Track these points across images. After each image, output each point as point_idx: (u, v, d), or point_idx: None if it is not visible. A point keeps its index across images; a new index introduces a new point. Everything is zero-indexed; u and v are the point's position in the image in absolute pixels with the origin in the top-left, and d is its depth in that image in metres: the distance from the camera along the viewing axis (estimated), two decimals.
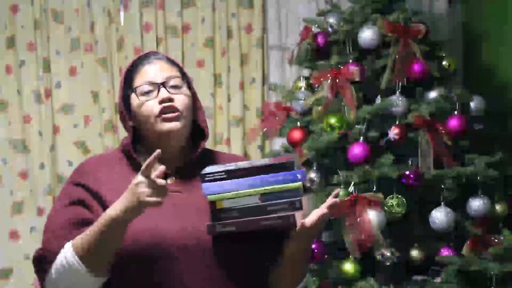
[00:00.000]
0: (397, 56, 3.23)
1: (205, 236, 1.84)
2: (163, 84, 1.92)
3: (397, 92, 3.22)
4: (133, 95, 1.94)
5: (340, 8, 3.52)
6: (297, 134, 3.29)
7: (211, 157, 2.02)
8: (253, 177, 1.84)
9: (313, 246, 3.07)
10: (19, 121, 3.86)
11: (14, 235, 3.84)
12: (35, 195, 3.85)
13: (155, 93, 1.91)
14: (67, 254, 1.81)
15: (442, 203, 3.12)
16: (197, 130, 1.99)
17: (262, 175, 1.84)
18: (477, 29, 3.88)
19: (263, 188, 1.83)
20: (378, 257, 3.04)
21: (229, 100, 3.97)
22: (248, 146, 4.00)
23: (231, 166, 1.86)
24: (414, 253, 3.16)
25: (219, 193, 1.84)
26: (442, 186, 3.14)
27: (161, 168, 1.73)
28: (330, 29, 3.37)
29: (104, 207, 1.83)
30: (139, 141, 1.97)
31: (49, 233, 1.88)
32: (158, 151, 1.73)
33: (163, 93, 1.91)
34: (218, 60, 3.98)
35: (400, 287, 3.10)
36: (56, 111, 3.90)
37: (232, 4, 3.97)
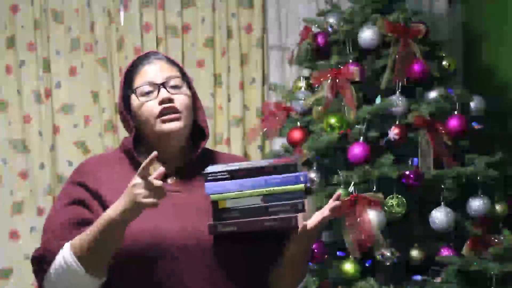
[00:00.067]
0: (397, 56, 3.23)
1: (205, 236, 1.84)
2: (163, 84, 1.91)
3: (397, 92, 3.21)
4: (133, 96, 1.93)
5: (340, 8, 3.52)
6: (297, 134, 3.29)
7: (211, 157, 2.02)
8: (256, 178, 1.83)
9: (313, 246, 3.07)
10: (19, 121, 3.86)
11: (14, 235, 3.84)
12: (35, 195, 3.84)
13: (155, 93, 1.91)
14: (65, 254, 1.80)
15: (442, 203, 3.12)
16: (197, 130, 1.98)
17: (265, 176, 1.83)
18: (477, 29, 3.88)
19: (265, 189, 1.83)
20: (378, 257, 3.04)
21: (229, 100, 3.97)
22: (248, 146, 4.00)
23: (234, 166, 1.85)
24: (414, 253, 3.15)
25: (221, 193, 1.83)
26: (442, 186, 3.14)
27: (160, 169, 1.73)
28: (330, 29, 3.37)
29: (104, 207, 1.83)
30: (139, 140, 1.97)
31: (48, 233, 1.88)
32: (155, 153, 1.72)
33: (163, 93, 1.91)
34: (218, 60, 3.97)
35: (400, 287, 3.10)
36: (56, 111, 3.90)
37: (232, 4, 3.97)
